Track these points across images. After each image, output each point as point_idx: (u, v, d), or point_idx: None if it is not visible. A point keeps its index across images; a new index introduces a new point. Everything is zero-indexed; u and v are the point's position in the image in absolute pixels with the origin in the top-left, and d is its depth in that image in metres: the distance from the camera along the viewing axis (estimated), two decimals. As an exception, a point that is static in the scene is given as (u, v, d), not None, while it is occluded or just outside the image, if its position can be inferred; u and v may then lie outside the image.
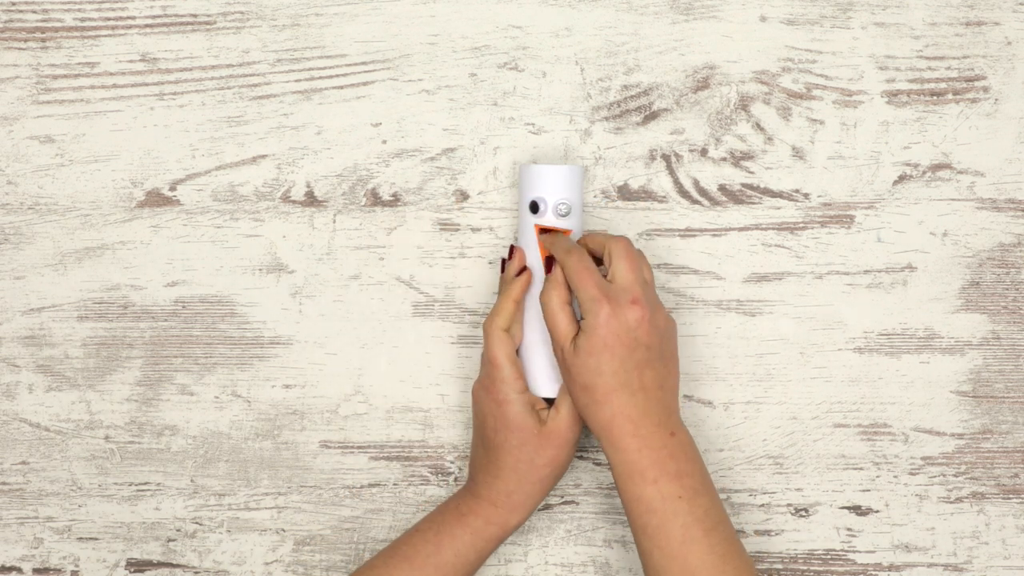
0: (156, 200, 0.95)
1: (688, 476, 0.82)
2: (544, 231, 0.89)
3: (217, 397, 0.95)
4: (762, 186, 0.95)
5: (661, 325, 0.84)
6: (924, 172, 0.95)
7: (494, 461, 0.87)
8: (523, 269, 0.89)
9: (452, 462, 0.95)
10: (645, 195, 0.95)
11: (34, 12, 0.94)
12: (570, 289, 0.85)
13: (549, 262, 0.88)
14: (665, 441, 0.83)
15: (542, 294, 0.86)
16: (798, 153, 0.95)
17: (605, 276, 0.85)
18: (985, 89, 0.94)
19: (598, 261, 0.88)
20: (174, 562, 0.95)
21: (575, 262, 0.84)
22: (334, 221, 0.95)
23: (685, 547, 0.81)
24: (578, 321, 0.85)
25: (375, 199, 0.95)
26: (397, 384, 0.95)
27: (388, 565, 0.87)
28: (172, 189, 0.95)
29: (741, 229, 0.95)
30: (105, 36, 0.94)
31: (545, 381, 0.89)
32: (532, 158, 0.94)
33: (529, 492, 0.87)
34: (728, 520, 0.84)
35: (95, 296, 0.95)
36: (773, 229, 0.95)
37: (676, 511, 0.81)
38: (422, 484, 0.95)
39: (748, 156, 0.95)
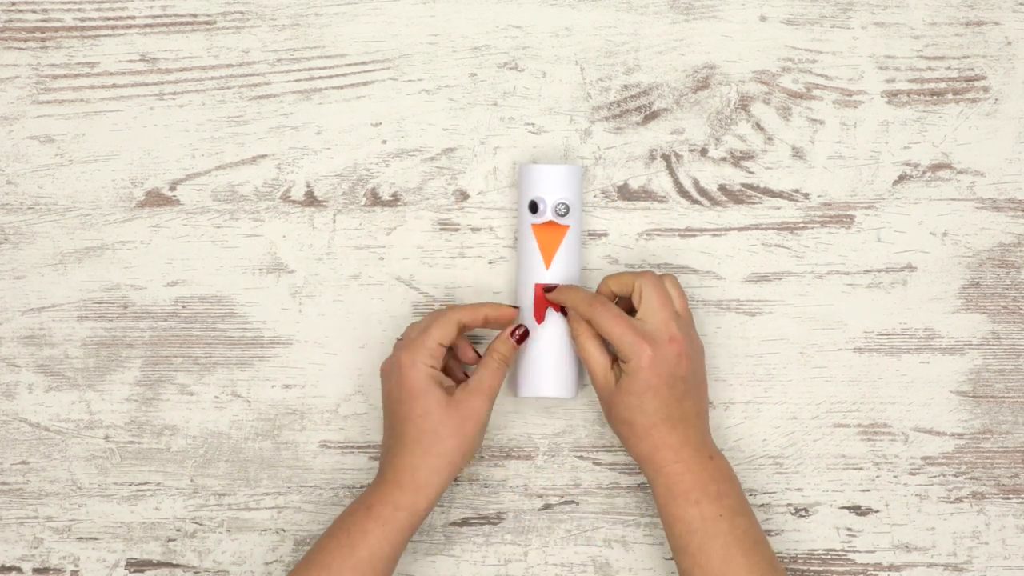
0: (156, 200, 0.95)
1: (727, 497, 0.85)
2: (548, 289, 0.90)
3: (217, 397, 0.95)
4: (762, 186, 0.95)
5: (695, 353, 0.87)
6: (924, 172, 0.95)
7: (399, 436, 0.87)
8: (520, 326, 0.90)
9: (452, 462, 0.95)
10: (645, 195, 0.95)
11: (34, 12, 0.94)
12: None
13: (562, 309, 0.89)
14: (705, 464, 0.86)
15: (573, 331, 0.88)
16: (798, 153, 0.94)
17: (632, 313, 0.87)
18: (985, 89, 0.94)
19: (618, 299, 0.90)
20: (174, 562, 0.95)
21: (602, 312, 0.86)
22: (334, 221, 0.95)
23: (725, 566, 0.83)
24: (611, 353, 0.87)
25: (375, 199, 0.95)
26: (397, 384, 0.95)
27: None
28: (172, 189, 0.95)
29: (741, 229, 0.95)
30: (105, 36, 0.94)
31: (549, 381, 0.90)
32: (532, 158, 0.94)
33: (434, 467, 0.86)
34: (766, 540, 0.86)
35: (95, 296, 0.95)
36: (773, 229, 0.95)
37: (716, 531, 0.84)
38: (422, 484, 0.95)
39: (748, 156, 0.95)
